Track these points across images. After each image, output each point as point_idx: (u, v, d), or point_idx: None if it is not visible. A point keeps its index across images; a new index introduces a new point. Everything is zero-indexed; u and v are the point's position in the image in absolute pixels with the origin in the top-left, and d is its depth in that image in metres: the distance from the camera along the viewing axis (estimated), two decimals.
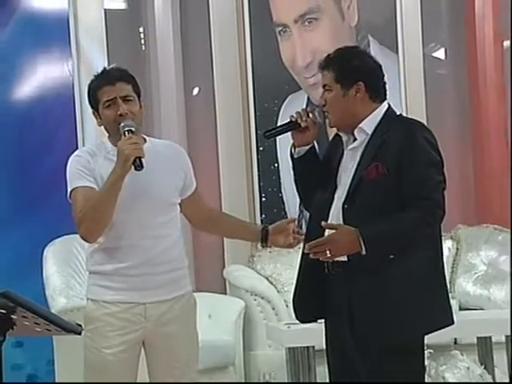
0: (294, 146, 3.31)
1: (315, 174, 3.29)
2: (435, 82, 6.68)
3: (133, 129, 3.26)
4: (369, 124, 3.24)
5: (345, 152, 3.29)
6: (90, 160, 3.33)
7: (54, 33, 6.29)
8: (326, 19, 6.54)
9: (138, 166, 3.20)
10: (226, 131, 6.39)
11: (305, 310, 3.34)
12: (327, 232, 3.18)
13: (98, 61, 6.13)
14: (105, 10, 6.30)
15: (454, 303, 5.68)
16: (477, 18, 6.60)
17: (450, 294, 3.31)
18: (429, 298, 3.18)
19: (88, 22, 6.27)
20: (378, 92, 3.27)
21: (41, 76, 6.33)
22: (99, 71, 3.43)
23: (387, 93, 3.31)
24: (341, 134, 3.32)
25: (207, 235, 5.61)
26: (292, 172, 3.37)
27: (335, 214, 3.22)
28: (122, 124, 3.26)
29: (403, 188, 3.14)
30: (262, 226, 3.56)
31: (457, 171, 6.64)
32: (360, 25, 6.59)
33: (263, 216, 6.41)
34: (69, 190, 3.33)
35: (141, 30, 6.46)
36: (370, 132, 3.23)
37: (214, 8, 6.40)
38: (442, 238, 6.64)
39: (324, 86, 3.27)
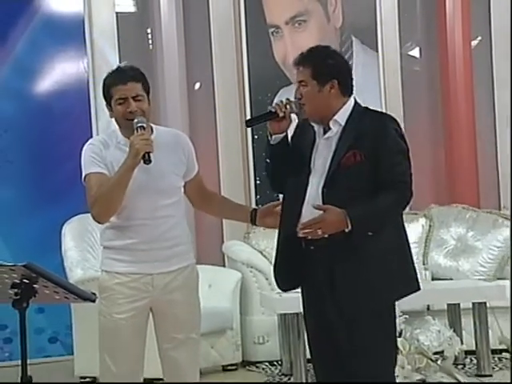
0: (270, 133, 3.30)
1: (287, 158, 3.30)
2: (411, 77, 6.67)
3: (144, 125, 3.25)
4: (341, 116, 3.26)
5: (317, 140, 3.30)
6: (102, 148, 3.32)
7: (71, 33, 6.27)
8: (313, 21, 6.52)
9: (147, 160, 3.21)
10: (224, 121, 6.38)
11: (284, 279, 3.36)
12: (304, 209, 3.20)
13: (111, 58, 6.12)
14: (116, 13, 6.28)
15: (427, 274, 5.72)
16: (448, 21, 6.58)
17: (415, 265, 3.33)
18: (397, 269, 3.22)
19: (101, 24, 6.25)
20: (348, 88, 3.30)
21: (59, 72, 6.32)
22: (113, 68, 3.42)
23: (354, 88, 3.32)
24: (313, 124, 3.32)
25: (208, 215, 5.61)
26: (266, 158, 3.36)
27: (312, 196, 3.23)
28: (136, 120, 3.26)
29: (378, 173, 3.16)
30: (251, 208, 3.55)
31: (430, 158, 6.65)
32: (344, 26, 6.57)
33: (258, 197, 6.41)
34: (83, 174, 3.32)
35: (148, 30, 6.44)
36: (343, 123, 3.26)
37: (214, 11, 6.38)
38: (417, 216, 6.68)
39: (300, 82, 3.27)
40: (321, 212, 3.13)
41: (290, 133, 3.38)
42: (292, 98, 3.27)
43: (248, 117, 6.32)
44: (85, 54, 6.23)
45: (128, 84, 3.30)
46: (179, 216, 3.36)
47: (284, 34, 6.48)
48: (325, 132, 3.28)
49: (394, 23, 6.55)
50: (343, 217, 3.10)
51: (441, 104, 6.68)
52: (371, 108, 3.34)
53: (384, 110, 6.48)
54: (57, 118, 6.23)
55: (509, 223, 6.00)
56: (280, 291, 3.49)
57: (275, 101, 3.34)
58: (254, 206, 6.36)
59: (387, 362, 3.25)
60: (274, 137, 3.29)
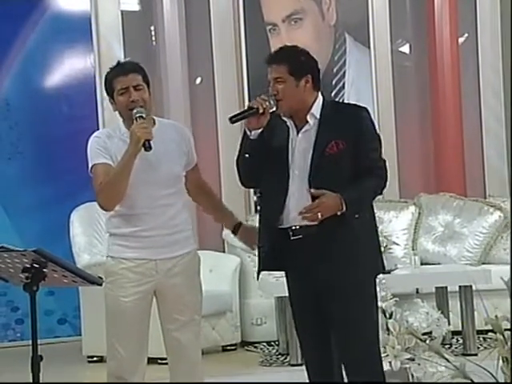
0: (248, 129, 3.29)
1: (263, 153, 3.29)
2: (401, 72, 6.66)
3: (143, 115, 3.25)
4: (316, 109, 3.30)
5: (292, 134, 3.29)
6: (106, 140, 3.33)
7: (78, 31, 6.26)
8: (309, 19, 6.51)
9: (148, 147, 3.22)
10: (224, 114, 6.36)
11: (267, 264, 3.37)
12: (290, 201, 3.22)
13: (116, 54, 6.09)
14: (121, 11, 6.26)
15: (416, 259, 5.73)
16: (436, 18, 6.57)
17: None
18: (372, 250, 3.31)
19: (107, 22, 6.23)
20: (319, 83, 3.34)
21: (67, 67, 6.32)
22: (114, 64, 3.42)
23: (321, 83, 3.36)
24: (285, 119, 3.32)
25: None
26: (240, 153, 3.33)
27: (296, 188, 3.24)
28: (135, 111, 3.26)
29: (358, 160, 3.23)
30: (237, 221, 3.55)
31: (419, 148, 6.64)
32: (338, 24, 6.56)
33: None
34: (89, 165, 3.33)
35: (152, 28, 6.42)
36: (318, 116, 3.29)
37: (214, 9, 6.37)
38: (407, 204, 6.69)
39: (276, 79, 3.27)
40: (305, 200, 3.17)
41: None
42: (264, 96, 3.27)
43: None
44: (91, 50, 6.22)
45: (129, 75, 3.31)
46: (180, 204, 3.37)
47: (281, 31, 6.46)
48: (297, 126, 3.30)
49: (386, 21, 6.53)
50: (338, 200, 3.16)
51: (429, 98, 6.67)
52: (338, 101, 3.41)
53: (376, 104, 6.50)
54: (65, 111, 6.23)
55: (493, 210, 6.01)
56: (280, 276, 3.52)
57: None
58: (252, 195, 6.37)
59: (372, 329, 3.31)
60: (253, 132, 3.28)
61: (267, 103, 3.25)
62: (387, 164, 3.33)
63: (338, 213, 3.16)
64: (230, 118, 3.35)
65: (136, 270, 3.29)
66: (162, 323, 3.37)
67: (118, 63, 3.42)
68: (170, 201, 3.33)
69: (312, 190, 3.18)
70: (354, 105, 3.51)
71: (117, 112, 3.38)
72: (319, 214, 3.14)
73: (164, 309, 3.35)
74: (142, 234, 3.29)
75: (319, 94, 3.34)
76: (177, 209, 3.35)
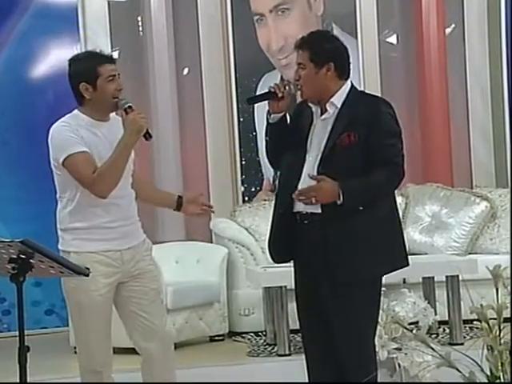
0: (269, 112, 3.31)
1: (285, 137, 3.30)
2: (388, 63, 6.66)
3: (131, 104, 3.26)
4: (338, 98, 3.26)
5: (315, 121, 3.30)
6: (78, 128, 3.29)
7: (65, 21, 6.23)
8: (296, 9, 6.50)
9: (149, 136, 3.24)
10: (211, 105, 6.36)
11: (278, 253, 3.37)
12: (300, 185, 3.20)
13: (103, 45, 6.06)
14: (108, 1, 6.24)
15: None
16: (423, 9, 6.57)
17: (406, 242, 3.36)
18: (386, 244, 3.24)
19: (94, 11, 6.21)
20: (344, 71, 3.28)
21: (53, 58, 6.28)
22: (80, 52, 3.43)
23: (351, 72, 3.31)
24: (311, 105, 3.32)
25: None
26: (264, 136, 3.38)
27: (308, 173, 3.23)
28: (123, 101, 3.26)
29: (371, 154, 3.17)
30: (177, 195, 3.54)
31: (406, 140, 6.54)
32: (325, 14, 6.55)
33: (243, 176, 6.41)
34: (63, 156, 3.25)
35: (139, 18, 6.40)
36: (339, 105, 3.26)
37: (201, 0, 6.35)
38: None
39: (299, 64, 3.27)
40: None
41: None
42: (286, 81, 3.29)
43: (234, 100, 6.32)
44: (78, 40, 6.19)
45: (114, 64, 3.32)
46: (133, 195, 3.42)
47: (268, 21, 6.45)
48: (322, 113, 3.28)
49: (373, 11, 6.53)
50: (337, 188, 3.12)
51: (417, 89, 6.68)
52: (367, 92, 3.35)
53: None
54: (51, 101, 6.20)
55: (480, 200, 6.03)
56: (267, 266, 3.52)
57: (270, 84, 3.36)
58: (240, 185, 6.37)
59: (369, 334, 3.29)
60: (272, 116, 3.29)
61: (287, 88, 3.23)
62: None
63: (338, 202, 3.12)
64: (248, 100, 3.38)
65: (104, 261, 3.31)
66: (125, 310, 3.38)
67: (91, 52, 3.43)
68: (128, 191, 3.38)
69: (311, 175, 3.17)
70: (376, 97, 3.42)
71: (89, 99, 3.30)
72: (313, 198, 3.11)
73: (130, 296, 3.37)
74: (108, 225, 3.30)
75: (347, 82, 3.27)
76: (132, 198, 3.40)
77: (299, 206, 3.23)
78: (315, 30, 3.39)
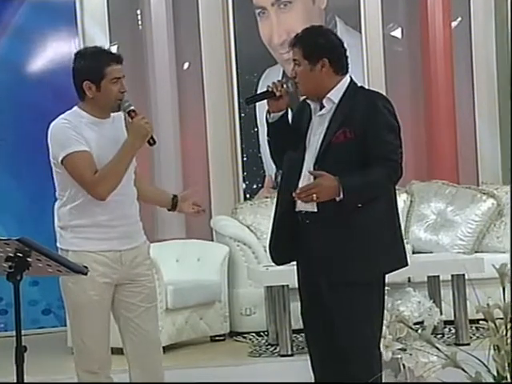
0: (268, 112, 3.31)
1: (286, 136, 3.30)
2: (393, 57, 6.66)
3: (134, 108, 3.27)
4: (335, 94, 3.24)
5: (313, 118, 3.29)
6: (78, 126, 3.28)
7: (63, 15, 6.24)
8: (299, 2, 6.49)
9: (154, 142, 3.26)
10: (212, 100, 6.36)
11: (279, 254, 3.37)
12: (301, 184, 3.20)
13: (101, 38, 6.07)
14: None
15: (408, 247, 5.74)
16: (429, 2, 6.56)
17: (405, 241, 3.34)
18: (386, 243, 3.22)
19: (92, 5, 6.21)
20: (341, 66, 3.26)
21: (51, 52, 6.29)
22: (88, 47, 3.41)
23: (349, 66, 3.30)
24: (309, 102, 3.31)
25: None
26: (266, 136, 3.38)
27: (306, 170, 3.23)
28: (126, 104, 3.26)
29: (368, 150, 3.16)
30: (172, 195, 3.54)
31: (411, 135, 6.64)
32: (328, 7, 6.54)
33: (244, 173, 6.41)
34: (62, 154, 3.24)
35: (138, 11, 6.39)
36: (336, 101, 3.24)
37: None
38: (398, 191, 6.72)
39: (294, 61, 3.27)
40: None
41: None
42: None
43: (235, 95, 6.32)
44: (76, 34, 6.19)
45: (121, 65, 3.30)
46: (135, 194, 3.40)
47: (270, 14, 6.45)
48: (320, 109, 3.28)
49: (377, 4, 6.53)
50: (337, 183, 3.10)
51: (422, 83, 6.68)
52: (365, 87, 3.33)
53: None
54: (49, 96, 6.20)
55: (486, 198, 6.02)
56: (269, 264, 3.51)
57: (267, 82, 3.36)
58: (241, 182, 6.37)
59: (373, 335, 3.27)
60: (272, 115, 3.29)
61: (284, 86, 3.23)
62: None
63: (337, 199, 3.12)
64: (246, 99, 3.38)
65: (103, 261, 3.30)
66: (121, 313, 3.37)
67: (100, 49, 3.38)
68: (130, 190, 3.37)
69: (310, 171, 3.17)
70: (373, 92, 3.39)
71: (91, 97, 3.29)
72: (314, 195, 3.10)
73: (126, 299, 3.37)
74: (109, 223, 3.29)
75: (345, 77, 3.26)
76: (134, 197, 3.39)
77: (300, 205, 3.23)
78: (309, 26, 3.36)
